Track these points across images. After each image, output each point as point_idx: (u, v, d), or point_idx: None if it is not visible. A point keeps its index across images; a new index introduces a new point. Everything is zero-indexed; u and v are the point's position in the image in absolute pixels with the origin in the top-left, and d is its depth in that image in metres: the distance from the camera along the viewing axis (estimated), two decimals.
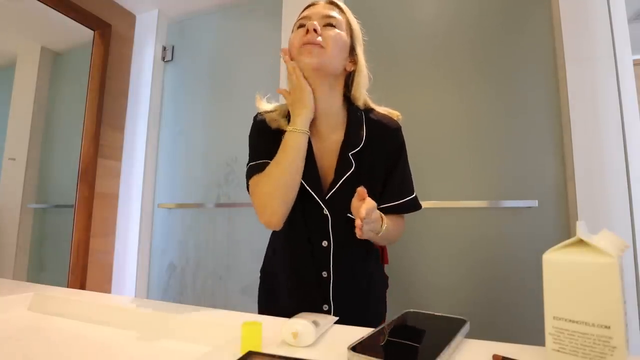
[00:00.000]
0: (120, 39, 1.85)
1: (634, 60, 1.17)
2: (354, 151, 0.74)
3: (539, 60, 1.27)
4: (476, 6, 1.37)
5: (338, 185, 0.73)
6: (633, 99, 1.13)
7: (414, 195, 0.79)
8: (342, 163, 0.74)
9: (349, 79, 0.77)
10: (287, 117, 0.78)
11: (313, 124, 0.75)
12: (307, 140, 0.72)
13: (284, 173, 0.70)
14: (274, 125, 0.77)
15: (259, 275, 0.88)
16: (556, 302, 0.37)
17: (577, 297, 0.36)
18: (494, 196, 1.25)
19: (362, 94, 0.78)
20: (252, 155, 0.79)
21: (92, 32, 1.75)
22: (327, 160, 0.75)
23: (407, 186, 0.79)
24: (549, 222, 1.20)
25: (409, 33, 1.44)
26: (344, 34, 0.73)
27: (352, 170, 0.73)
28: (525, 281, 1.18)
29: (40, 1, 1.53)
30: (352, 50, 0.75)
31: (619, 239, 0.36)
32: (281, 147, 0.71)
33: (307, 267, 0.76)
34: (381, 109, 0.81)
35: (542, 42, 1.27)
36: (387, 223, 0.69)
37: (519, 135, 1.26)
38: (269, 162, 0.73)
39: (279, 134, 0.75)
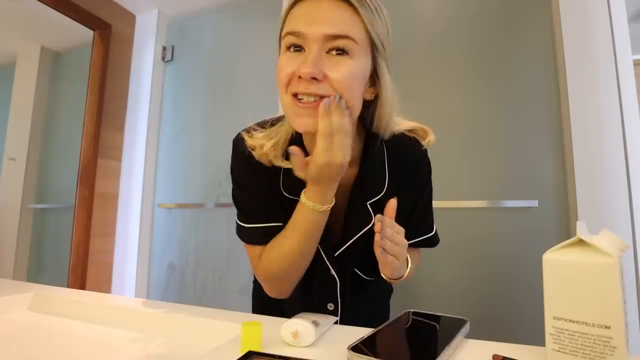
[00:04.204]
0: (120, 39, 1.85)
1: (634, 60, 1.17)
2: (373, 200, 0.58)
3: (539, 60, 1.27)
4: (476, 6, 1.37)
5: (351, 241, 0.59)
6: (633, 99, 1.13)
7: (433, 233, 0.67)
8: (357, 213, 0.58)
9: (368, 106, 0.55)
10: (284, 149, 0.57)
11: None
12: (326, 218, 0.55)
13: (303, 257, 0.56)
14: (264, 161, 0.58)
15: (253, 281, 0.79)
16: (556, 302, 0.37)
17: (577, 297, 0.36)
18: (494, 196, 1.25)
19: (388, 126, 0.57)
20: (245, 207, 0.61)
21: (92, 32, 1.75)
22: (336, 202, 0.56)
23: (427, 223, 0.66)
24: (549, 222, 1.20)
25: (409, 32, 1.44)
26: (361, 63, 0.49)
27: (371, 224, 0.58)
28: (525, 281, 1.18)
29: (40, 1, 1.53)
30: (373, 71, 0.53)
31: (619, 239, 0.36)
32: (297, 225, 0.54)
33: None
34: (409, 126, 0.63)
35: (542, 42, 1.27)
36: (411, 265, 0.58)
37: (519, 135, 1.26)
38: (273, 226, 0.58)
39: (271, 171, 0.58)
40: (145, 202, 1.80)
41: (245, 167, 0.60)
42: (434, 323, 0.51)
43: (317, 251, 0.59)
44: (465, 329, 0.47)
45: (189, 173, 1.78)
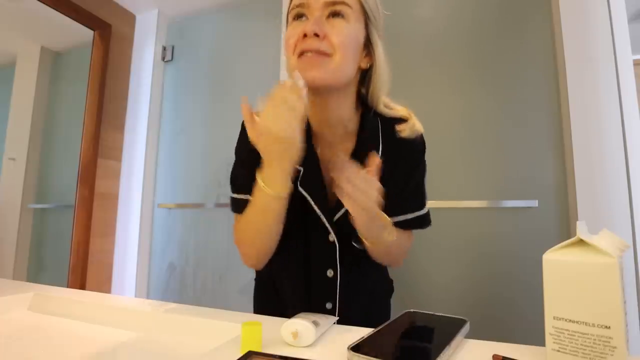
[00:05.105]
0: (120, 39, 1.85)
1: (634, 60, 1.17)
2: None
3: (539, 60, 1.27)
4: (476, 6, 1.37)
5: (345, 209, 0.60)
6: (633, 99, 1.13)
7: (424, 212, 0.67)
8: None
9: (363, 76, 0.63)
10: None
11: (318, 133, 0.63)
12: (284, 203, 0.56)
13: (256, 237, 0.60)
14: None
15: (254, 278, 0.81)
16: (556, 302, 0.37)
17: (577, 297, 0.36)
18: (494, 196, 1.25)
19: (381, 96, 0.64)
20: (234, 177, 0.67)
21: (92, 32, 1.75)
22: None
23: (418, 201, 0.67)
24: (549, 222, 1.20)
25: (409, 32, 1.44)
26: (356, 27, 0.57)
27: None
28: (525, 281, 1.18)
29: (40, 1, 1.53)
30: (367, 40, 0.59)
31: (619, 239, 0.36)
32: (251, 205, 0.58)
33: (308, 297, 0.66)
34: (399, 110, 0.67)
35: (542, 42, 1.27)
36: (396, 233, 0.59)
37: (519, 135, 1.26)
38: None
39: None
40: (145, 202, 1.79)
41: (242, 143, 0.64)
42: (433, 323, 0.51)
43: (317, 216, 0.61)
44: (465, 329, 0.47)
45: (189, 173, 1.78)
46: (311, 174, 0.61)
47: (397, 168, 0.62)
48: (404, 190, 0.65)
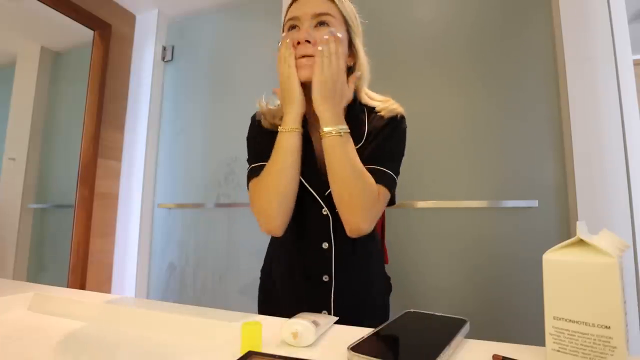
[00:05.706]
0: (120, 39, 1.85)
1: (634, 60, 1.17)
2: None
3: (539, 60, 1.27)
4: (476, 6, 1.37)
5: None
6: (633, 99, 1.13)
7: (392, 176, 0.68)
8: None
9: (348, 73, 0.73)
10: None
11: (313, 119, 0.70)
12: (299, 138, 0.67)
13: (279, 178, 0.66)
14: (265, 125, 0.75)
15: (259, 275, 0.86)
16: (556, 302, 0.37)
17: (577, 297, 0.36)
18: (494, 196, 1.25)
19: (363, 88, 0.75)
20: (250, 158, 0.76)
21: (92, 32, 1.75)
22: None
23: (388, 161, 0.69)
24: (549, 222, 1.20)
25: (409, 32, 1.44)
26: (339, 33, 0.69)
27: None
28: (525, 281, 1.18)
29: (40, 1, 1.53)
30: (349, 43, 0.71)
31: (619, 239, 0.36)
32: (274, 149, 0.67)
33: (306, 270, 0.72)
34: (379, 98, 0.76)
35: (543, 42, 1.27)
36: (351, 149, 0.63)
37: (519, 135, 1.26)
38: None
39: (276, 133, 0.71)
40: (145, 202, 1.79)
41: (252, 128, 0.79)
42: (433, 323, 0.51)
43: (310, 193, 0.70)
44: (465, 329, 0.47)
45: (189, 173, 1.78)
46: (306, 157, 0.69)
47: (376, 138, 0.70)
48: (377, 146, 0.69)
